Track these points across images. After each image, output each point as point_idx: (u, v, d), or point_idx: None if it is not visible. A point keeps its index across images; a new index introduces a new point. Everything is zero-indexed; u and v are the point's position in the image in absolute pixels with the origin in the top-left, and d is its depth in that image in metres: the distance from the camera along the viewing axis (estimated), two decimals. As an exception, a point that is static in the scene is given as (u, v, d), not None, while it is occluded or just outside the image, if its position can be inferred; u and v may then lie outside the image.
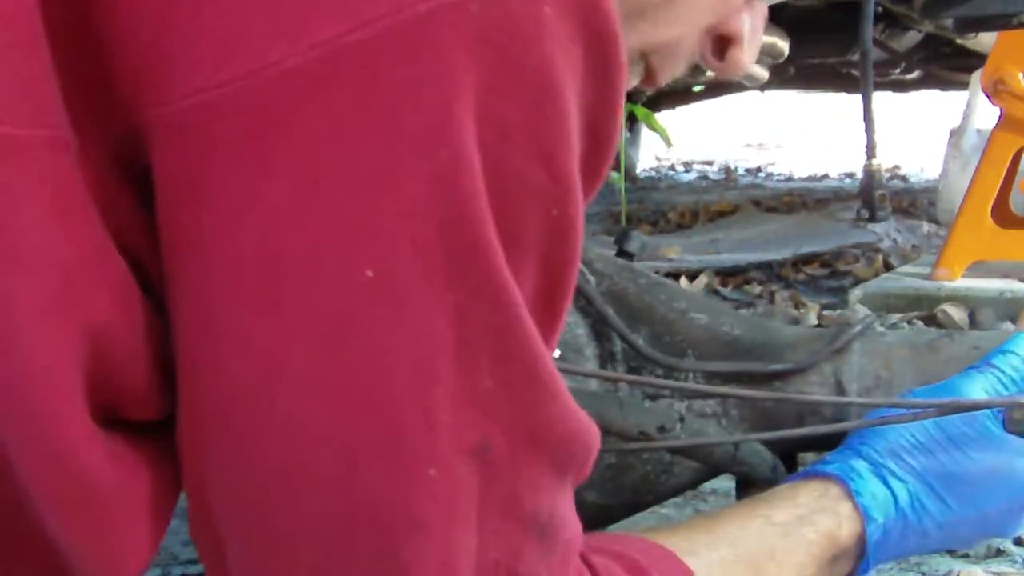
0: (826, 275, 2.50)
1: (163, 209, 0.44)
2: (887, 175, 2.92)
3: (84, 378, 0.44)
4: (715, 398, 0.87)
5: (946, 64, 3.13)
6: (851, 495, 0.73)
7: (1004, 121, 2.02)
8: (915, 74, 3.33)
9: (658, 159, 5.24)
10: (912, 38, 2.71)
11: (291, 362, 0.44)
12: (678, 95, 4.00)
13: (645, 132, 4.05)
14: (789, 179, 4.64)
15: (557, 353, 0.83)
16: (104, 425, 0.46)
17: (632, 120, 1.88)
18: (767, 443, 0.83)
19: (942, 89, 3.70)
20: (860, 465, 0.75)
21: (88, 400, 0.45)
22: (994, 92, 1.99)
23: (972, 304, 1.92)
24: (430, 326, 0.44)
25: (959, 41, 2.66)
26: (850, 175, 4.40)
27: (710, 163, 5.20)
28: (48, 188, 0.42)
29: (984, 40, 2.46)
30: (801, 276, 2.48)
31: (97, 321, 0.44)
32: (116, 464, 0.47)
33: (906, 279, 2.09)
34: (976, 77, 2.53)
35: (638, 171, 4.64)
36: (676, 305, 0.90)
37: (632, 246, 0.94)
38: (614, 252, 0.94)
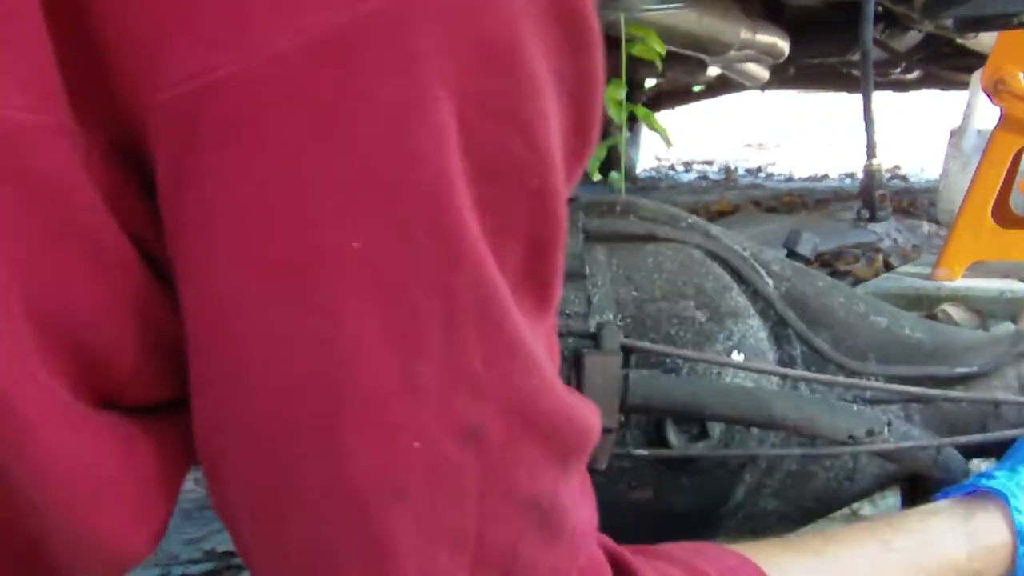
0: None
1: (162, 193, 0.45)
2: (887, 175, 2.92)
3: (57, 364, 0.45)
4: (897, 403, 0.84)
5: (946, 64, 3.14)
6: (1007, 511, 0.69)
7: (1004, 121, 2.01)
8: (915, 74, 3.33)
9: (658, 159, 5.24)
10: (912, 38, 2.71)
11: (278, 327, 0.44)
12: (678, 95, 4.00)
13: (645, 132, 4.05)
14: (789, 179, 4.64)
15: (741, 357, 0.81)
16: (104, 407, 0.47)
17: (632, 120, 1.87)
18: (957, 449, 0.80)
19: (942, 89, 3.70)
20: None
21: (71, 384, 0.46)
22: (994, 92, 1.99)
23: (972, 304, 1.92)
24: (414, 300, 0.45)
25: (959, 41, 2.66)
26: (850, 175, 4.40)
27: (710, 163, 5.20)
28: (23, 177, 0.43)
29: (984, 40, 2.46)
30: (801, 276, 2.48)
31: (69, 308, 0.45)
32: (106, 446, 0.47)
33: (906, 279, 2.08)
34: (976, 77, 2.53)
35: (638, 171, 4.64)
36: (855, 308, 0.88)
37: (804, 248, 0.92)
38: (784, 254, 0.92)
